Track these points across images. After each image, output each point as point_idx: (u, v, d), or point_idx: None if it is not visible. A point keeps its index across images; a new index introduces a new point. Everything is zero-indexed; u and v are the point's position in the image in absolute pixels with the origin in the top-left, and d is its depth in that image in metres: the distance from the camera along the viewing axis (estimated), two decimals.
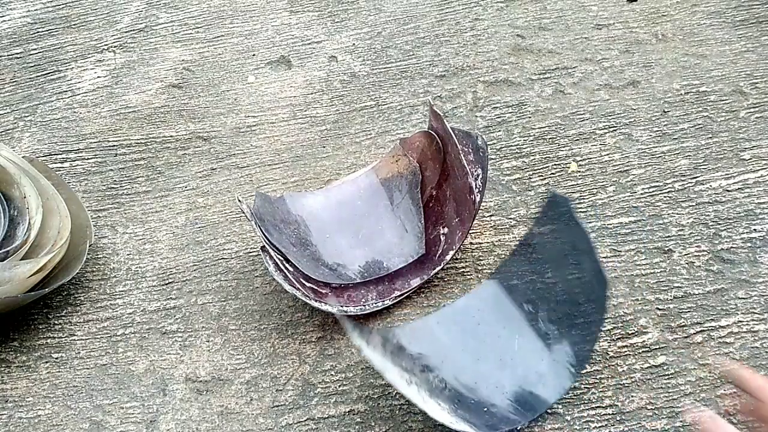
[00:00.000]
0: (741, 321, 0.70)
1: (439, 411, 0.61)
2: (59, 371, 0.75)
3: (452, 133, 0.74)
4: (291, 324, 0.76)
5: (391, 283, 0.77)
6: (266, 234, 0.74)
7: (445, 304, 0.73)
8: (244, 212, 0.73)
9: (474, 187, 0.73)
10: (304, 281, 0.74)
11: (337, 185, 0.85)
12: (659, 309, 0.72)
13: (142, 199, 0.91)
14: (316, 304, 0.72)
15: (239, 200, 0.72)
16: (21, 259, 0.75)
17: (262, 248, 0.73)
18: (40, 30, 1.20)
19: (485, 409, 0.64)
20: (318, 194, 0.83)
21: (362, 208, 0.83)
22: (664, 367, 0.68)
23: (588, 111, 0.93)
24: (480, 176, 0.74)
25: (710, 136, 0.88)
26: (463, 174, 0.74)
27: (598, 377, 0.68)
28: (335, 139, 0.95)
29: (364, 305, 0.74)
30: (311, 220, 0.81)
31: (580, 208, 0.82)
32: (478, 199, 0.73)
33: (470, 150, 0.76)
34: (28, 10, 1.24)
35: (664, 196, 0.82)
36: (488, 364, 0.68)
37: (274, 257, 0.72)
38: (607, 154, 0.88)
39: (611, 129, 0.91)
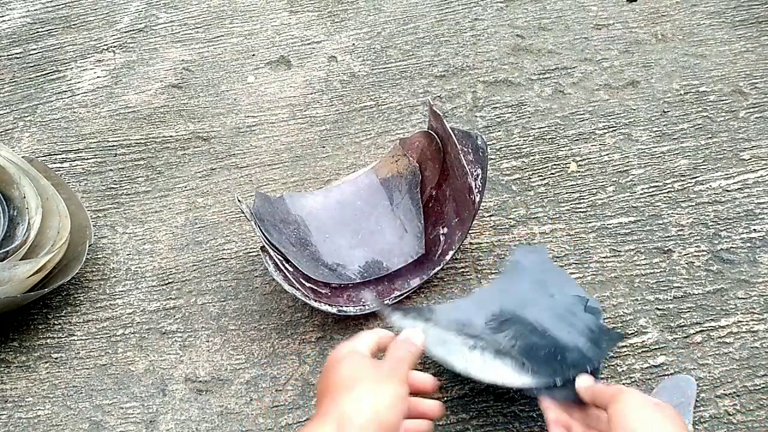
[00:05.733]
0: (740, 321, 0.70)
1: (495, 373, 0.58)
2: (59, 371, 0.75)
3: (452, 133, 0.74)
4: (291, 324, 0.76)
5: (391, 284, 0.77)
6: (266, 234, 0.74)
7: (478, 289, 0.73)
8: (243, 212, 0.73)
9: (474, 187, 0.73)
10: (303, 281, 0.74)
11: (337, 185, 0.85)
12: (659, 309, 0.72)
13: (142, 199, 0.91)
14: (315, 304, 0.72)
15: (239, 200, 0.72)
16: (20, 260, 0.75)
17: (262, 248, 0.73)
18: (39, 30, 1.20)
19: (558, 357, 0.61)
20: (318, 194, 0.83)
21: (362, 208, 0.83)
22: (664, 367, 0.68)
23: (588, 111, 0.93)
24: (480, 176, 0.74)
25: (710, 136, 0.88)
26: (462, 174, 0.74)
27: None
28: (335, 139, 0.95)
29: (364, 305, 0.74)
30: (311, 220, 0.81)
31: (580, 208, 0.82)
32: (477, 199, 0.73)
33: (470, 150, 0.76)
34: (28, 10, 1.24)
35: (664, 196, 0.82)
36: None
37: (274, 257, 0.72)
38: (607, 154, 0.88)
39: (611, 129, 0.91)
